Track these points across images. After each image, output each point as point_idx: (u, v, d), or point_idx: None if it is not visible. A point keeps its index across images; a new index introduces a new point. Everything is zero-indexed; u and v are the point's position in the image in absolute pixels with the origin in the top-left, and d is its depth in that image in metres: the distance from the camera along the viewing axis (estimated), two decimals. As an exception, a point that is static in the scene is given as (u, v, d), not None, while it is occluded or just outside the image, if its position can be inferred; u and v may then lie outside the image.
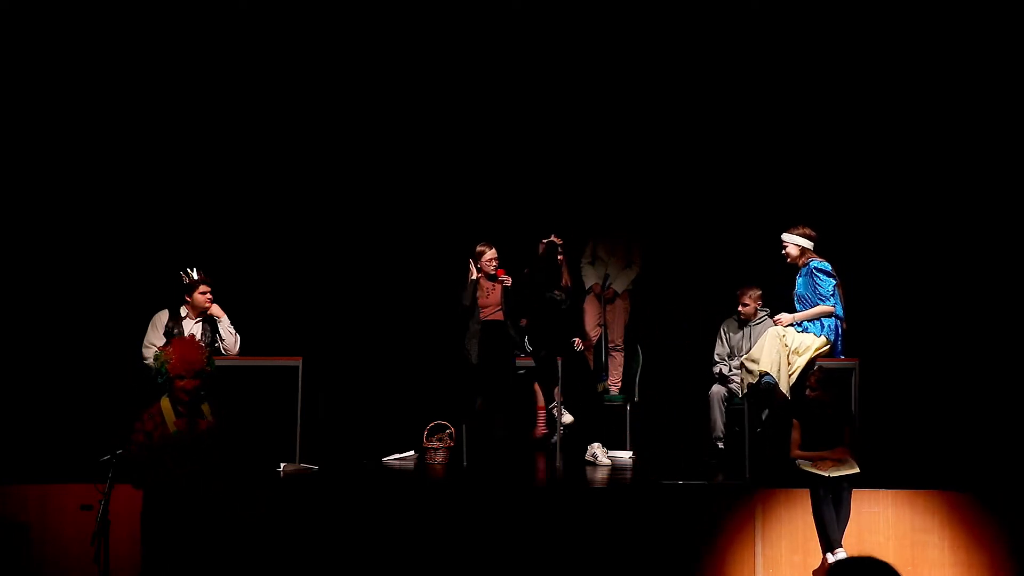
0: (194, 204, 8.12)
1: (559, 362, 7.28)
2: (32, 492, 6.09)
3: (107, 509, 5.13)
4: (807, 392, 6.19)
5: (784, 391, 6.48)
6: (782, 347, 6.55)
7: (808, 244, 6.76)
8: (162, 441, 4.99)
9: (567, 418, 7.48)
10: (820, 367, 6.39)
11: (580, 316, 7.89)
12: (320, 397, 7.76)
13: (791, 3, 7.83)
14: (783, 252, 6.81)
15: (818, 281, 6.68)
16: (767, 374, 6.53)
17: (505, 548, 5.87)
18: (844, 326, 6.72)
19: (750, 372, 6.62)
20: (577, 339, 7.45)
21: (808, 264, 6.74)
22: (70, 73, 7.89)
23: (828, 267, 6.71)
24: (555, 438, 7.44)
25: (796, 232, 6.77)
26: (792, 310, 6.81)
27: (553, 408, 7.42)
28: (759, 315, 7.20)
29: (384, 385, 8.23)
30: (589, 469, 6.98)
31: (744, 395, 6.77)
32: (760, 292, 7.20)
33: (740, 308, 7.21)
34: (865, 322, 7.15)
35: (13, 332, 7.78)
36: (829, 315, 6.66)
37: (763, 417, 6.76)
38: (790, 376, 6.51)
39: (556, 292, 7.39)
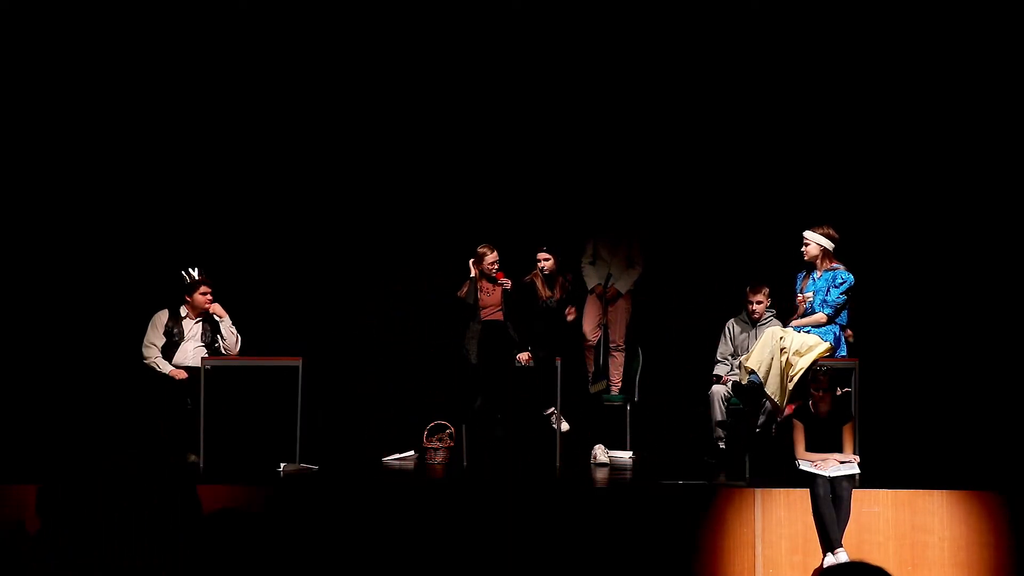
0: (194, 204, 8.12)
1: (558, 363, 7.27)
2: (32, 492, 6.07)
3: (107, 509, 5.13)
4: (812, 390, 6.16)
5: (772, 392, 6.46)
6: (777, 351, 6.52)
7: (829, 245, 6.71)
8: None
9: (564, 426, 7.45)
10: (828, 368, 6.33)
11: (579, 317, 7.88)
12: (320, 397, 7.76)
13: (792, 1, 7.82)
14: (802, 249, 6.75)
15: (833, 289, 6.64)
16: (753, 372, 6.52)
17: (505, 548, 5.86)
18: (849, 335, 6.71)
19: (746, 371, 6.62)
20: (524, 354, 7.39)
21: (834, 271, 6.69)
22: (70, 73, 7.89)
23: (851, 284, 6.65)
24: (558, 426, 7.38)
25: (819, 231, 6.72)
26: (794, 310, 6.82)
27: (551, 414, 7.40)
28: (766, 315, 7.18)
29: (384, 385, 8.23)
30: (589, 469, 6.98)
31: (735, 393, 6.78)
32: (768, 290, 7.19)
33: (752, 308, 7.14)
34: (865, 322, 7.14)
35: (14, 332, 7.78)
36: (820, 324, 6.64)
37: (760, 416, 6.75)
38: (792, 378, 6.49)
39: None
